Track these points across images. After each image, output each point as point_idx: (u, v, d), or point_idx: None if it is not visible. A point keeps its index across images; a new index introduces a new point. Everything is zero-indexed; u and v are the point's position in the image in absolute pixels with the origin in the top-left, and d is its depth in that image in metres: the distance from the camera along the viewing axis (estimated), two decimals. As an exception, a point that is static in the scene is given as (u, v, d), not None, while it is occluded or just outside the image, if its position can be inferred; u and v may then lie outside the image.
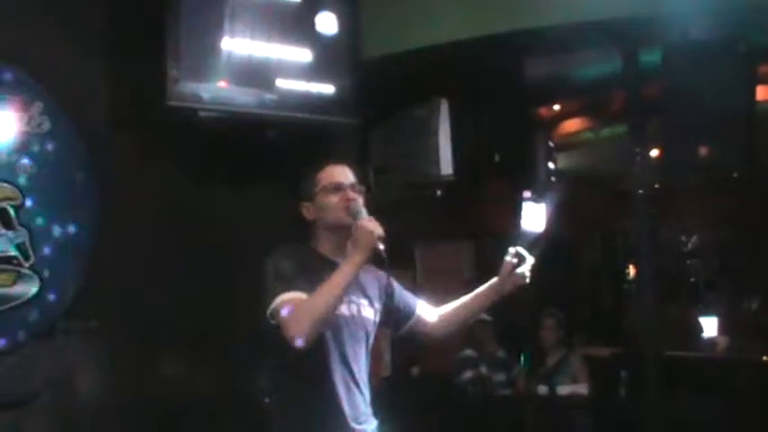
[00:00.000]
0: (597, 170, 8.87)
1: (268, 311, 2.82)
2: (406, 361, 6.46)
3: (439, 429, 5.65)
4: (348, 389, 2.94)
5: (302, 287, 2.82)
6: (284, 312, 2.77)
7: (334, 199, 3.00)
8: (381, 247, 2.85)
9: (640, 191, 5.44)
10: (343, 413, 2.91)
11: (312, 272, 2.92)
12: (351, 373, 2.96)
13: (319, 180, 3.05)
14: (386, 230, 2.86)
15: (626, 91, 5.77)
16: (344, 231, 2.99)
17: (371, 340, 3.10)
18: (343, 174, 3.07)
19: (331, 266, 2.97)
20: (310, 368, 2.86)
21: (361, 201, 3.00)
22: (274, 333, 2.82)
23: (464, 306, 3.31)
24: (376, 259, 2.92)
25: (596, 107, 7.66)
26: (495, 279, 3.22)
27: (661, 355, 5.46)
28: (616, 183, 7.20)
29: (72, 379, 4.36)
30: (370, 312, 3.06)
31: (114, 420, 4.36)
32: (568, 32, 5.01)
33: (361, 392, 3.00)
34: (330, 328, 2.87)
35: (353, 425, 2.94)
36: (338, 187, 3.01)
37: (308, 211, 3.07)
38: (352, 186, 3.03)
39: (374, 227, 2.82)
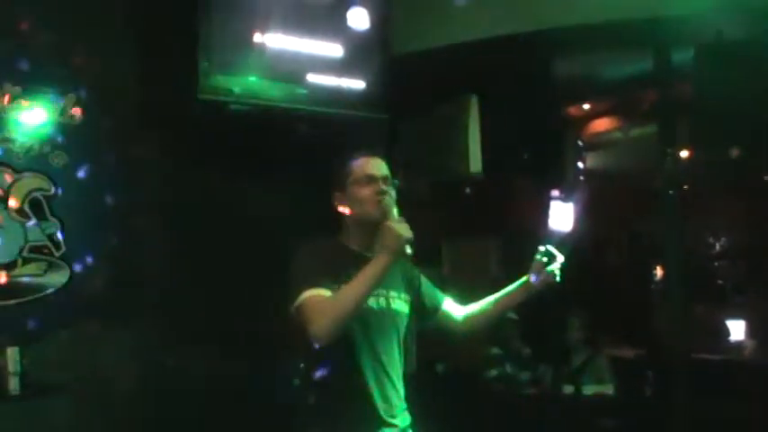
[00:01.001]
0: (626, 170, 8.81)
1: (292, 307, 2.84)
2: (431, 357, 6.47)
3: (463, 427, 5.64)
4: (379, 381, 2.93)
5: (327, 284, 2.81)
6: (307, 309, 2.77)
7: (365, 191, 2.98)
8: (410, 251, 2.84)
9: (670, 191, 5.40)
10: (374, 405, 2.90)
11: (339, 267, 2.91)
12: (382, 365, 2.94)
13: (352, 170, 3.03)
14: (413, 227, 2.85)
15: (656, 90, 5.72)
16: (372, 225, 2.98)
17: (403, 333, 3.08)
18: (377, 166, 3.05)
19: (359, 260, 2.96)
20: (339, 361, 2.85)
21: (393, 196, 2.99)
22: (299, 327, 2.83)
23: (492, 304, 3.30)
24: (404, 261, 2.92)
25: (626, 107, 7.61)
26: (524, 278, 3.21)
27: (689, 358, 5.43)
28: (645, 183, 7.15)
29: (102, 367, 4.39)
30: (399, 305, 3.04)
31: (145, 409, 4.40)
32: (599, 31, 4.98)
33: (393, 386, 2.98)
34: (358, 321, 2.86)
35: (386, 417, 2.93)
36: (370, 179, 3.00)
37: (338, 199, 3.05)
38: (384, 179, 3.01)
39: (403, 230, 2.80)
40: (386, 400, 2.95)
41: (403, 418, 3.03)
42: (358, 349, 2.89)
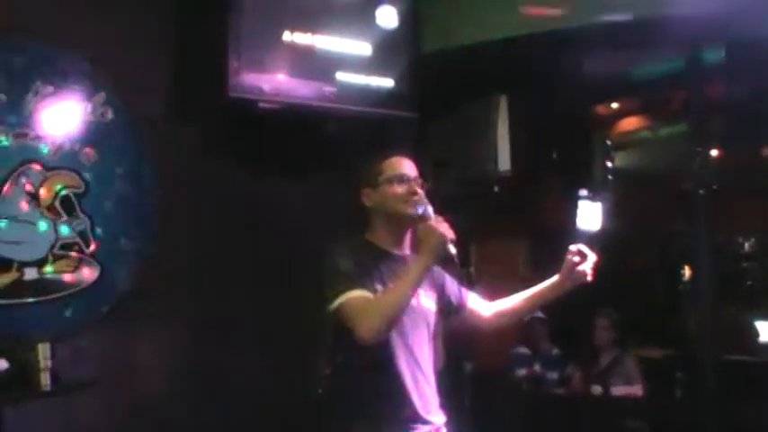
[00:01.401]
0: (654, 170, 8.75)
1: (332, 306, 2.84)
2: (460, 357, 6.46)
3: (491, 426, 5.63)
4: (415, 378, 2.94)
5: (367, 285, 2.84)
6: (352, 310, 2.80)
7: (398, 189, 3.00)
8: (453, 250, 2.85)
9: (700, 191, 5.36)
10: (411, 401, 2.91)
11: (371, 266, 2.93)
12: (416, 362, 2.96)
13: (384, 169, 3.05)
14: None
15: (687, 89, 5.67)
16: (403, 222, 3.01)
17: (432, 330, 3.09)
18: (408, 166, 3.08)
19: (389, 259, 2.99)
20: (375, 357, 2.86)
21: (424, 196, 3.01)
22: (337, 327, 2.84)
23: (521, 301, 3.30)
24: (445, 260, 2.93)
25: (655, 106, 7.56)
26: (555, 277, 3.20)
27: (718, 359, 5.38)
28: (673, 182, 7.10)
29: (131, 365, 4.42)
30: (428, 302, 3.07)
31: (172, 406, 4.41)
32: (630, 29, 4.95)
33: (427, 383, 3.00)
34: None
35: (423, 414, 2.94)
36: (403, 179, 3.02)
37: (368, 197, 3.07)
38: (417, 180, 3.04)
39: (445, 230, 2.83)
40: (422, 396, 2.96)
41: (438, 416, 3.03)
42: (394, 347, 2.90)
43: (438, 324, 3.15)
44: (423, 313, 3.03)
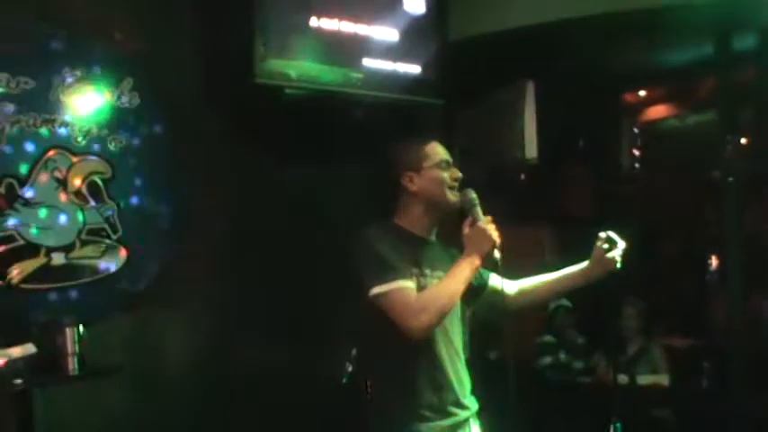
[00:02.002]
0: (683, 158, 8.69)
1: (372, 293, 2.83)
2: (485, 345, 6.44)
3: (516, 414, 5.61)
4: (453, 363, 2.96)
5: (406, 274, 2.84)
6: (397, 302, 2.79)
7: (444, 174, 3.01)
8: (498, 255, 2.86)
9: (730, 179, 5.31)
10: (452, 385, 2.92)
11: (405, 251, 2.93)
12: (454, 347, 2.97)
13: (429, 154, 3.05)
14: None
15: (717, 77, 5.62)
16: (442, 208, 3.01)
17: (461, 316, 3.10)
18: (447, 153, 3.10)
19: (421, 243, 3.00)
20: (417, 344, 2.86)
21: (473, 192, 3.01)
22: (375, 313, 2.83)
23: (547, 283, 3.28)
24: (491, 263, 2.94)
25: (683, 93, 7.50)
26: (584, 263, 3.18)
27: (746, 349, 5.34)
28: (702, 171, 7.05)
29: (159, 349, 4.44)
30: None
31: (197, 393, 4.43)
32: (659, 15, 4.90)
33: (464, 367, 3.01)
34: None
35: (462, 399, 2.94)
36: (448, 164, 3.03)
37: (411, 182, 3.05)
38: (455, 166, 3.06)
39: (494, 234, 2.83)
40: (460, 382, 2.97)
41: (472, 401, 3.04)
42: (435, 332, 2.90)
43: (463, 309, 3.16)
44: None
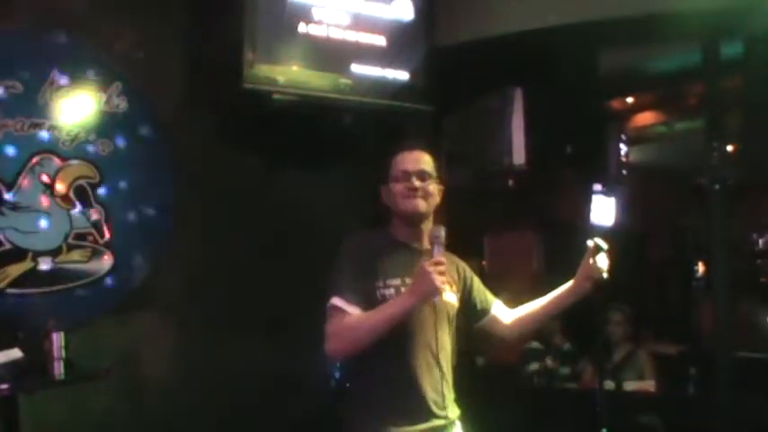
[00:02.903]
0: (670, 164, 8.73)
1: (328, 302, 2.87)
2: (472, 351, 6.45)
3: (502, 420, 5.62)
4: (430, 372, 2.94)
5: (360, 292, 2.85)
6: (328, 322, 2.84)
7: (399, 186, 3.00)
8: (436, 300, 2.85)
9: (716, 186, 5.32)
10: (422, 393, 2.90)
11: (385, 257, 2.93)
12: (434, 356, 2.95)
13: (392, 166, 3.06)
14: (456, 218, 2.84)
15: (704, 84, 5.63)
16: (411, 218, 3.00)
17: (454, 325, 3.09)
18: (413, 161, 3.04)
19: (403, 250, 2.99)
20: (390, 347, 2.85)
21: (431, 191, 2.99)
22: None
23: (539, 308, 3.26)
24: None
25: (671, 100, 7.53)
26: (570, 282, 3.18)
27: (732, 355, 5.35)
28: (689, 177, 7.07)
29: (142, 355, 4.43)
30: (451, 296, 3.05)
31: (182, 396, 4.43)
32: (646, 23, 4.92)
33: (444, 377, 2.99)
34: (414, 312, 2.87)
35: (435, 409, 2.93)
36: (404, 175, 3.01)
37: (384, 193, 3.07)
38: (420, 174, 3.00)
39: (437, 281, 2.74)
40: (436, 390, 2.95)
41: (452, 410, 3.02)
42: (412, 339, 2.90)
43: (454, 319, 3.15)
44: (444, 307, 3.02)
